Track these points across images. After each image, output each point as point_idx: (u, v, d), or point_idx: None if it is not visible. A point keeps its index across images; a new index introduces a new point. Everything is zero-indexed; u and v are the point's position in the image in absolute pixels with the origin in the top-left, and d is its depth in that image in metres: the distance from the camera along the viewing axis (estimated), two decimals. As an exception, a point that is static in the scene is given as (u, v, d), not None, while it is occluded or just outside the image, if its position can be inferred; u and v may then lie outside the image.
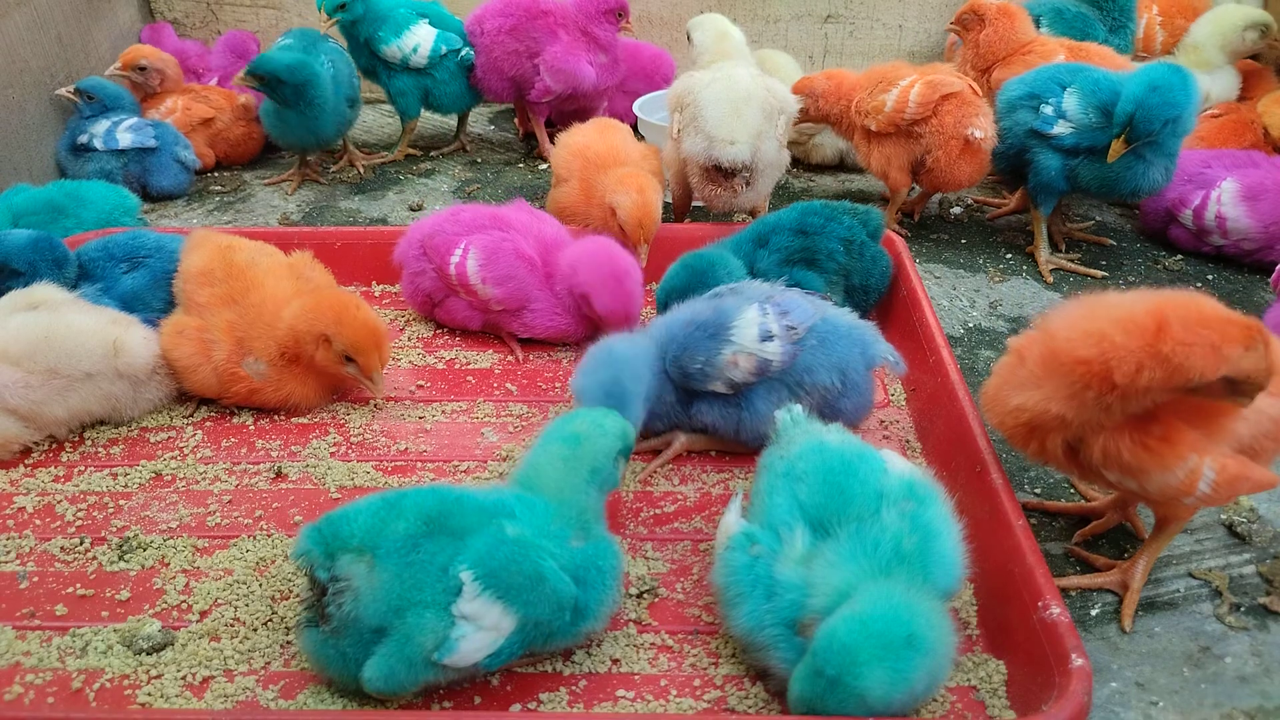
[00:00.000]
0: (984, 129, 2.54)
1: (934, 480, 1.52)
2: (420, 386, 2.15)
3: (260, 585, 1.64)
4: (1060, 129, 2.48)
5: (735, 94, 2.36)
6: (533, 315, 2.20)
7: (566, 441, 1.55)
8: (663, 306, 2.05)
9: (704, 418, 1.86)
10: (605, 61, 3.12)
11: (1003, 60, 2.81)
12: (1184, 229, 2.67)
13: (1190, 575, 1.71)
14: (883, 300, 2.29)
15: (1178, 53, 3.21)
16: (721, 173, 2.37)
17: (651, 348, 1.84)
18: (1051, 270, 2.63)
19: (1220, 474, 1.42)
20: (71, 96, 3.05)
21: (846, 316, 1.91)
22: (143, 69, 3.20)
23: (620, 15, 3.08)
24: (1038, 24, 3.06)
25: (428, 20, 3.15)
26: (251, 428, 2.03)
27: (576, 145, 2.55)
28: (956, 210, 2.98)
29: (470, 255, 2.20)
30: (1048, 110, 2.50)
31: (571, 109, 3.28)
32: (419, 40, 3.10)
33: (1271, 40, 3.13)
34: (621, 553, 1.54)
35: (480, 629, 1.37)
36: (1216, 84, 3.10)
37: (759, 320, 1.81)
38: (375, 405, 2.08)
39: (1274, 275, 2.16)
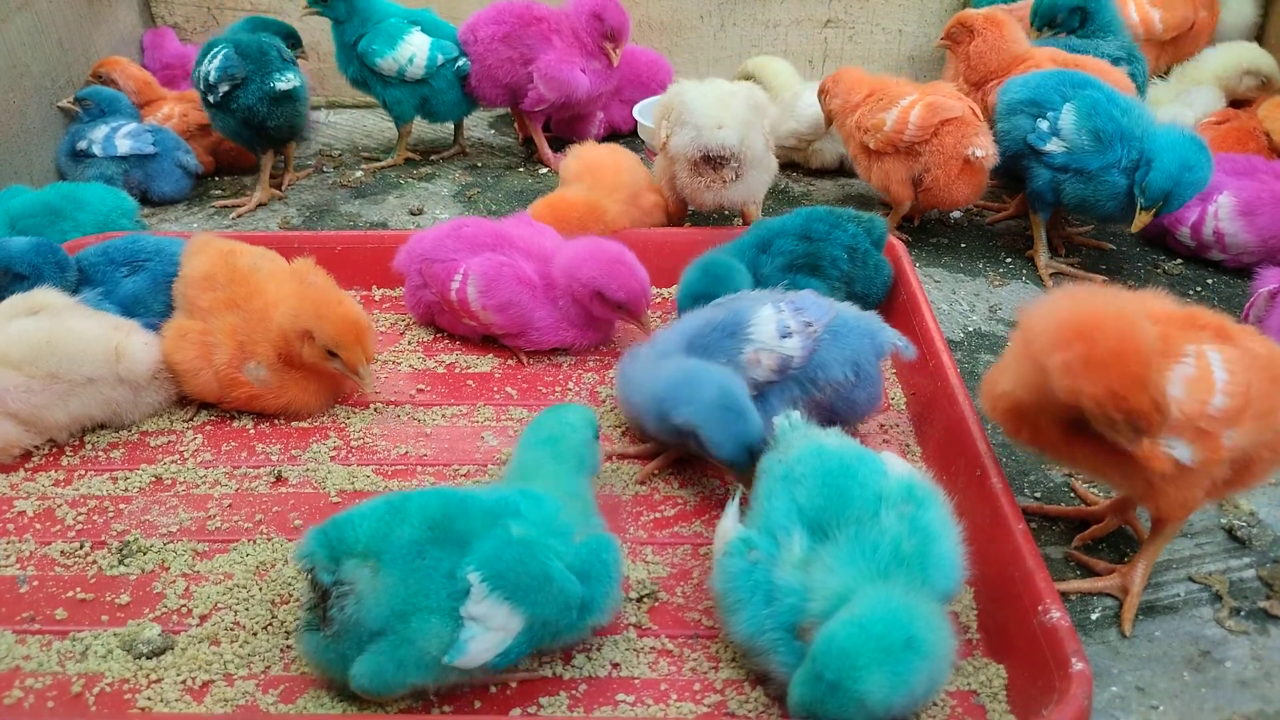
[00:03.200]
0: (985, 148, 2.53)
1: (934, 483, 1.52)
2: (420, 390, 2.15)
3: (260, 589, 1.64)
4: (1052, 147, 2.49)
5: (722, 89, 2.43)
6: (538, 332, 2.20)
7: (545, 444, 1.61)
8: (689, 305, 2.05)
9: None
10: (599, 68, 3.10)
11: (997, 74, 2.80)
12: (1183, 245, 2.68)
13: (1190, 579, 1.71)
14: (883, 304, 2.29)
15: (1175, 76, 3.22)
16: (710, 163, 2.38)
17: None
18: (1051, 274, 2.63)
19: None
20: (72, 106, 3.06)
21: (852, 309, 1.92)
22: (98, 76, 3.23)
23: (608, 37, 3.03)
24: None
25: (420, 28, 3.11)
26: (251, 431, 2.03)
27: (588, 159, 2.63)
28: (956, 215, 2.98)
29: (470, 283, 2.19)
30: (1043, 126, 2.50)
31: (568, 116, 3.28)
32: (414, 50, 3.06)
33: (1269, 92, 3.13)
34: (619, 545, 1.55)
35: (489, 630, 1.37)
36: (1199, 99, 3.11)
37: (776, 317, 1.82)
38: (375, 409, 2.08)
39: (1246, 307, 2.18)
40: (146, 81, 3.27)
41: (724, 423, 1.69)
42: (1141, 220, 2.40)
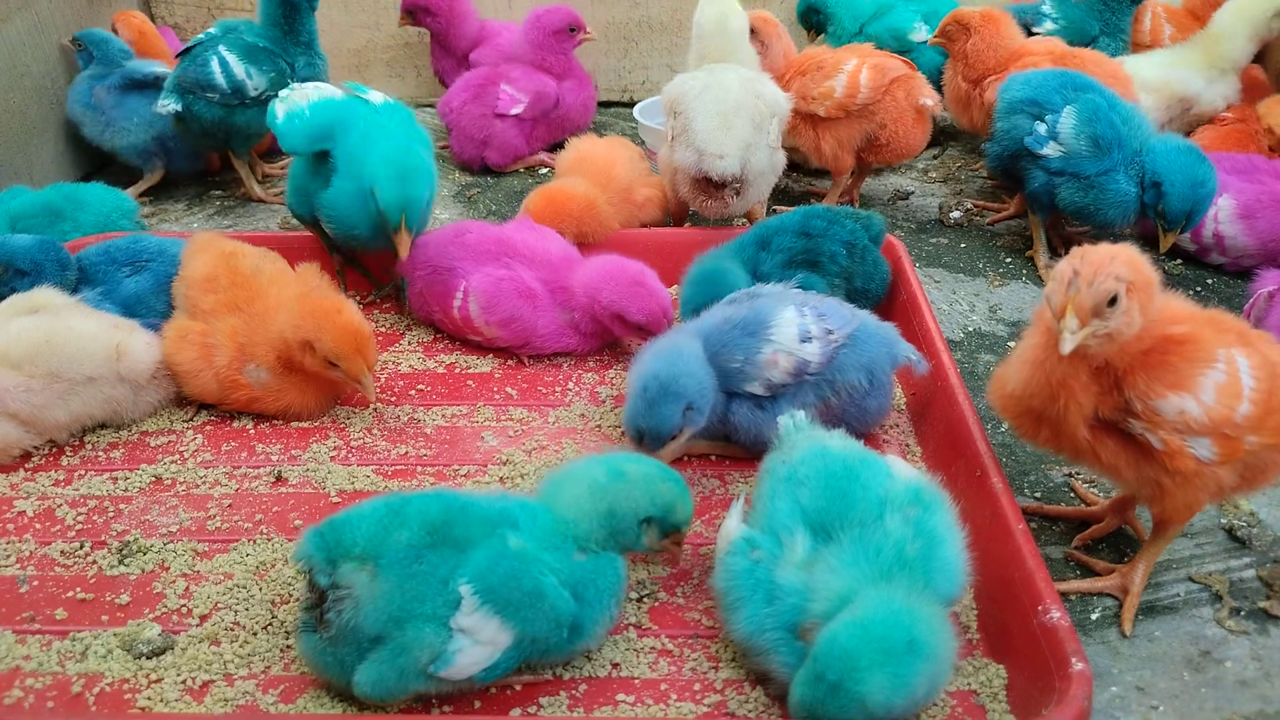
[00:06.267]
0: (932, 97, 2.76)
1: (939, 488, 1.52)
2: (420, 390, 2.15)
3: (260, 589, 1.64)
4: (1049, 150, 2.49)
5: (725, 105, 2.34)
6: (541, 339, 2.21)
7: (609, 470, 1.49)
8: (691, 315, 2.04)
9: (734, 419, 1.85)
10: (571, 85, 3.29)
11: (995, 70, 2.79)
12: (1183, 248, 2.68)
13: (1190, 579, 1.72)
14: (883, 304, 2.29)
15: (1195, 43, 3.14)
16: (711, 184, 2.38)
17: (699, 345, 1.83)
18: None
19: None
20: (70, 45, 3.05)
21: (872, 318, 1.93)
22: (114, 30, 3.22)
23: (573, 30, 3.21)
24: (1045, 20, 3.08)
25: None
26: (252, 431, 2.03)
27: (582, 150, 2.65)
28: (956, 215, 2.98)
29: (471, 300, 2.20)
30: (1041, 129, 2.50)
31: (558, 140, 3.29)
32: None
33: None
34: (625, 572, 1.51)
35: (477, 643, 1.37)
36: (1217, 90, 3.08)
37: (798, 320, 1.82)
38: (375, 409, 2.08)
39: (1246, 308, 2.18)
40: (144, 34, 3.25)
41: (637, 394, 1.73)
42: (1167, 241, 2.43)
